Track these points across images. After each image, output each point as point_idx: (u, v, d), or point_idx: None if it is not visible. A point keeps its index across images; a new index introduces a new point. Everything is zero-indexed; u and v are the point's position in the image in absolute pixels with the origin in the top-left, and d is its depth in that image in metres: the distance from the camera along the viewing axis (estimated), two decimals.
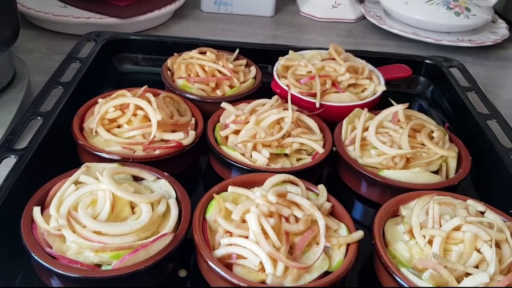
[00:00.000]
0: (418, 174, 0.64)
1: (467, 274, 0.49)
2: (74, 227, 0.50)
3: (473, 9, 1.09)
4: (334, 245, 0.53)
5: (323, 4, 1.23)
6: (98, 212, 0.51)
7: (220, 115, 0.72)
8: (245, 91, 0.79)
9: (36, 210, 0.51)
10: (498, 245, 0.51)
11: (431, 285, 0.49)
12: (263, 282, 0.49)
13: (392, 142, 0.66)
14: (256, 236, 0.50)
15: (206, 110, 0.73)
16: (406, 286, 0.49)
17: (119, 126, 0.66)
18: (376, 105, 0.79)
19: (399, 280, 0.50)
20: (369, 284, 0.57)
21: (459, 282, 0.49)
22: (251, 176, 0.61)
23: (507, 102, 0.92)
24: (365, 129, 0.69)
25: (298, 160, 0.68)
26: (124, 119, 0.66)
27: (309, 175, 0.65)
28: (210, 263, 0.49)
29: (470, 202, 0.57)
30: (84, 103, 0.70)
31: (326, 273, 0.51)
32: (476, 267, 0.50)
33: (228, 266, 0.50)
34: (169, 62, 0.83)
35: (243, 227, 0.52)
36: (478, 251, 0.51)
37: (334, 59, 0.82)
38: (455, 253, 0.51)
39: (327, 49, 0.85)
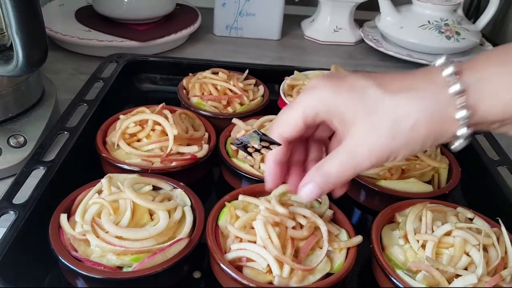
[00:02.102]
0: (412, 184, 0.65)
1: (457, 276, 0.49)
2: (98, 232, 0.50)
3: (463, 33, 1.09)
4: (336, 249, 0.53)
5: (325, 28, 1.24)
6: (119, 219, 0.52)
7: (231, 130, 0.73)
8: (254, 108, 0.80)
9: (63, 217, 0.52)
10: (485, 249, 0.52)
11: (424, 286, 0.50)
12: (271, 283, 0.50)
13: None
14: (263, 241, 0.50)
15: (219, 125, 0.74)
16: (401, 286, 0.50)
17: (138, 140, 0.67)
18: None
19: (395, 281, 0.50)
20: (367, 284, 0.57)
21: (449, 283, 0.49)
22: (259, 186, 0.61)
23: None
24: None
25: None
26: (143, 134, 0.66)
27: None
28: (222, 265, 0.50)
29: (460, 209, 0.57)
30: (107, 119, 0.71)
31: (328, 275, 0.51)
32: (466, 269, 0.50)
33: (239, 268, 0.51)
34: (184, 81, 0.84)
35: (251, 233, 0.52)
36: (467, 254, 0.51)
37: None
38: (446, 256, 0.51)
39: (329, 69, 0.86)
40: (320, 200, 0.60)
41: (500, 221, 0.55)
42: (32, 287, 0.53)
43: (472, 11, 1.35)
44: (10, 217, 0.53)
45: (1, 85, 0.68)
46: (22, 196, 0.56)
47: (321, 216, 0.56)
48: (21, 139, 0.68)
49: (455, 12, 1.12)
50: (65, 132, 0.67)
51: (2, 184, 0.65)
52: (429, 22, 1.09)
